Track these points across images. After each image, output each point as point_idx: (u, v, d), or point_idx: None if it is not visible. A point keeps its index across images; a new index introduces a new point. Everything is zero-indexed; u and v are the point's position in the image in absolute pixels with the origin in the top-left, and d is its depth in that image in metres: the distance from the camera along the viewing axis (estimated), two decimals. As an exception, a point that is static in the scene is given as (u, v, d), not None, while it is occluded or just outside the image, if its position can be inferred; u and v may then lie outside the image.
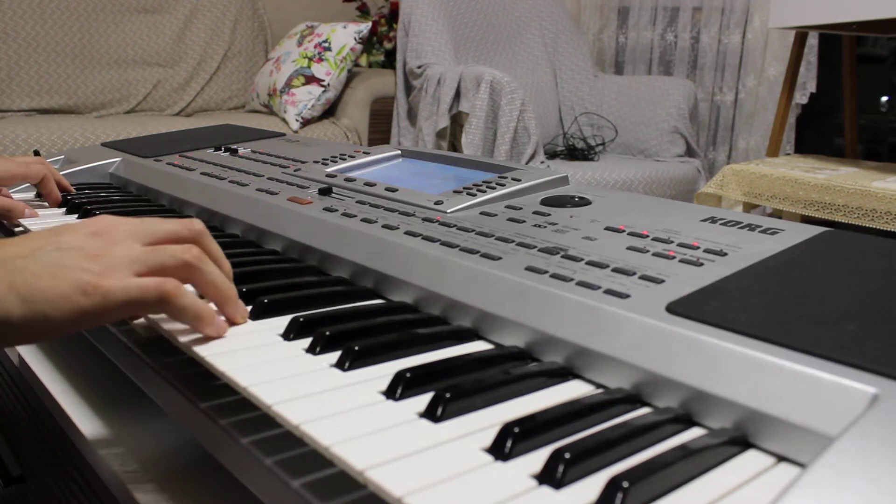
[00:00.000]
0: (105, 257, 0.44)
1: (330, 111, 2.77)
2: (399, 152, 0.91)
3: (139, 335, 0.51)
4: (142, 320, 0.47)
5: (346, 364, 0.42)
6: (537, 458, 0.32)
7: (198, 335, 0.46)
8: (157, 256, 0.45)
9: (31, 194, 0.92)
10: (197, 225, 0.50)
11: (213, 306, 0.48)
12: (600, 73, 2.93)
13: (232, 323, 0.49)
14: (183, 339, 0.45)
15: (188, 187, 0.86)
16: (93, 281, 0.42)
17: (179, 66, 2.88)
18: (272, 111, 2.77)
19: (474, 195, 0.68)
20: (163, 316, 0.48)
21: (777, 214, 1.94)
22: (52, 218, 0.81)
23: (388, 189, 0.73)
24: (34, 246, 0.44)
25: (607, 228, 0.58)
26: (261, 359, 0.43)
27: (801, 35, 2.22)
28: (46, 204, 0.87)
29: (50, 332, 0.42)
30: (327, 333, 0.45)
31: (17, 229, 0.78)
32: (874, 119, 2.70)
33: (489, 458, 0.33)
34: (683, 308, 0.42)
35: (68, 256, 0.43)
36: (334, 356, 0.43)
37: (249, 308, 0.51)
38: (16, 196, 0.87)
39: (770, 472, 0.34)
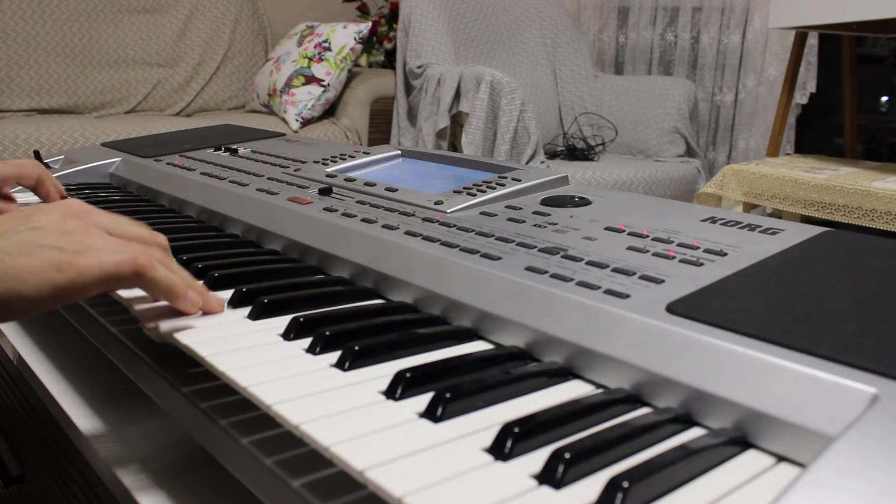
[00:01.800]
0: (79, 235, 0.45)
1: (330, 111, 2.77)
2: (399, 152, 0.91)
3: (139, 335, 0.51)
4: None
5: (346, 364, 0.42)
6: (537, 458, 0.32)
7: (198, 336, 0.46)
8: (129, 246, 0.46)
9: (35, 199, 0.92)
10: (162, 239, 0.51)
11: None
12: (600, 73, 2.93)
13: (209, 312, 0.50)
14: (183, 339, 0.45)
15: (188, 187, 0.86)
16: (67, 258, 0.43)
17: (179, 66, 2.88)
18: (272, 111, 2.77)
19: (474, 195, 0.68)
20: (162, 315, 0.48)
21: (777, 214, 1.94)
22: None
23: (388, 189, 0.73)
24: (7, 226, 0.44)
25: (607, 228, 0.58)
26: (261, 359, 0.43)
27: (801, 35, 2.22)
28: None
29: (25, 309, 0.43)
30: (327, 333, 0.45)
31: None
32: (874, 119, 2.70)
33: (489, 458, 0.33)
34: (683, 308, 0.42)
35: (42, 235, 0.44)
36: (334, 356, 0.43)
37: (249, 308, 0.51)
38: (20, 199, 0.87)
39: (770, 472, 0.34)
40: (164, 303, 0.49)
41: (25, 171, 0.84)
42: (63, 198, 0.88)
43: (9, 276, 0.42)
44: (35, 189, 0.87)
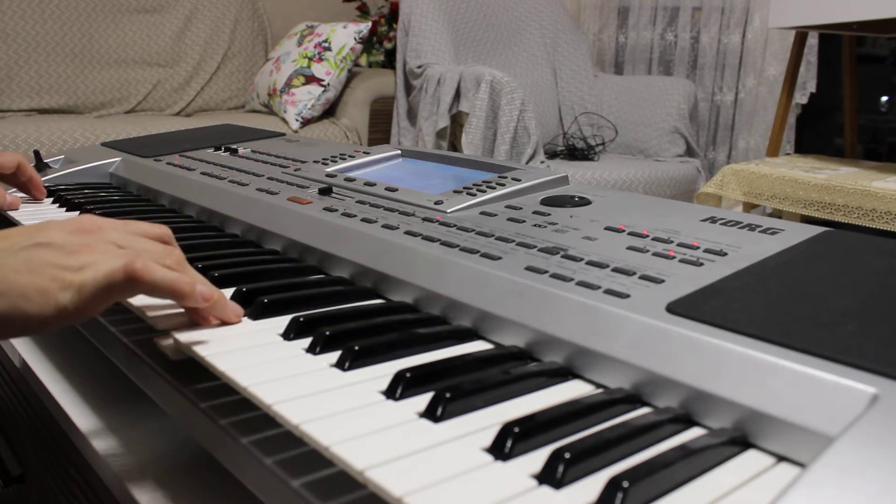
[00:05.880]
0: (84, 254, 0.43)
1: (330, 111, 2.77)
2: (399, 152, 0.91)
3: (139, 335, 0.51)
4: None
5: (346, 364, 0.42)
6: (537, 458, 0.32)
7: (198, 337, 0.46)
8: (124, 252, 0.45)
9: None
10: (160, 231, 0.50)
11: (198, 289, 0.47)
12: (600, 73, 2.93)
13: (228, 324, 0.48)
14: (183, 339, 0.45)
15: (188, 187, 0.86)
16: (69, 276, 0.42)
17: (179, 66, 2.88)
18: (272, 111, 2.77)
19: (474, 195, 0.68)
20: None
21: (777, 214, 1.94)
22: (50, 214, 0.80)
23: (388, 189, 0.73)
24: (15, 241, 0.43)
25: (607, 228, 0.58)
26: (261, 359, 0.43)
27: (801, 35, 2.22)
28: (40, 199, 0.88)
29: (29, 327, 0.42)
30: (327, 333, 0.45)
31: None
32: (874, 119, 2.70)
33: (489, 457, 0.33)
34: (683, 308, 0.42)
35: (47, 252, 0.43)
36: (334, 356, 0.43)
37: (249, 308, 0.51)
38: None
39: (770, 472, 0.34)
40: (169, 305, 0.49)
41: (4, 160, 0.85)
42: (41, 195, 0.89)
43: (13, 294, 0.41)
44: (16, 176, 0.87)
